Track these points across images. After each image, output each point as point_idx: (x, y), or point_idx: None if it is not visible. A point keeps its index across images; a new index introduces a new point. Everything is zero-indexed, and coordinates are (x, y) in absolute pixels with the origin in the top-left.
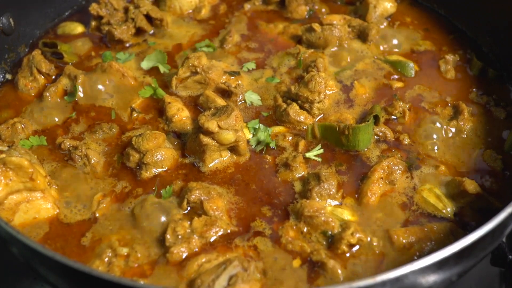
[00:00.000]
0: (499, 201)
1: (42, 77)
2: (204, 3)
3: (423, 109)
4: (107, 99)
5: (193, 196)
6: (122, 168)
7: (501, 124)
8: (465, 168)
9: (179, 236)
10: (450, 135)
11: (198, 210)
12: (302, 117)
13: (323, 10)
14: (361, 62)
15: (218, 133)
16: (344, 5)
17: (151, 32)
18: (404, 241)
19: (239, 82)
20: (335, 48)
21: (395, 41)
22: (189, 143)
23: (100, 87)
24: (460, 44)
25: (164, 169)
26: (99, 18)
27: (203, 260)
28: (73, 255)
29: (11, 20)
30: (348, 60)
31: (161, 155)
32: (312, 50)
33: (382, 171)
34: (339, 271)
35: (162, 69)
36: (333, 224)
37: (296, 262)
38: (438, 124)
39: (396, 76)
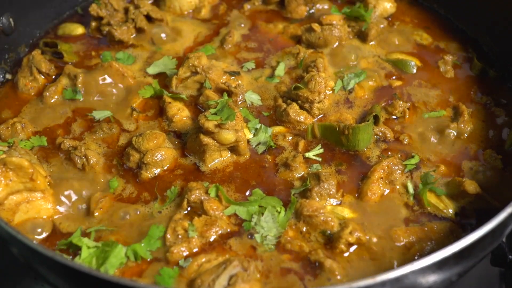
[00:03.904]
0: (499, 201)
1: (42, 77)
2: (204, 3)
3: (424, 109)
4: (107, 99)
5: (193, 196)
6: (123, 170)
7: (501, 124)
8: (465, 168)
9: (179, 236)
10: (450, 135)
11: (198, 210)
12: (302, 117)
13: (326, 6)
14: (362, 62)
15: (218, 133)
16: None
17: (163, 36)
18: (404, 240)
19: (239, 82)
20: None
21: (395, 41)
22: (189, 143)
23: (99, 86)
24: (460, 44)
25: (164, 169)
26: (99, 18)
27: (203, 260)
28: None
29: (11, 20)
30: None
31: (161, 155)
32: (311, 50)
33: (382, 171)
34: (337, 271)
35: (170, 74)
36: (332, 223)
37: (288, 261)
38: (438, 125)
39: (394, 77)
